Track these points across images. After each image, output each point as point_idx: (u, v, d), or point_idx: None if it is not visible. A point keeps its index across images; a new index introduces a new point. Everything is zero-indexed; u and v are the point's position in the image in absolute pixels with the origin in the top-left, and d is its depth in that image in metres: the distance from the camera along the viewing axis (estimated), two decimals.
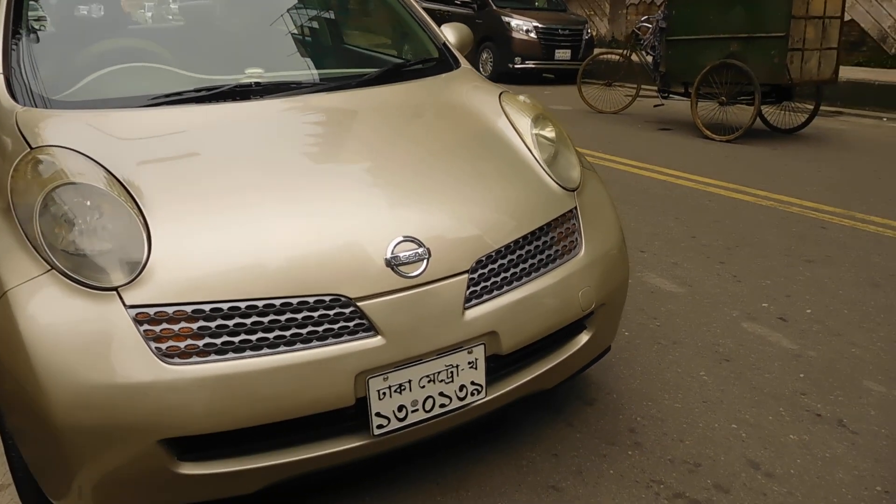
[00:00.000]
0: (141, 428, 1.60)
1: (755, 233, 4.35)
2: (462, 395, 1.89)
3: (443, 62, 2.73)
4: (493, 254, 1.93)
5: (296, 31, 2.94)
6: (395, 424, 1.81)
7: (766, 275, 3.70)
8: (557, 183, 2.19)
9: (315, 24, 3.11)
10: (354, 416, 1.79)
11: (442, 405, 1.86)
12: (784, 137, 7.45)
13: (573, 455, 2.30)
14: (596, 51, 11.79)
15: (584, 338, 2.20)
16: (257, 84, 2.31)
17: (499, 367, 1.97)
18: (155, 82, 2.37)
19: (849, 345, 2.97)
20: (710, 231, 4.41)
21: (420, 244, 1.80)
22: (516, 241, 1.99)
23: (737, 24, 7.01)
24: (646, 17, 9.52)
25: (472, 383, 1.89)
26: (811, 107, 7.50)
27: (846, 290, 3.51)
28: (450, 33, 2.95)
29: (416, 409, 1.83)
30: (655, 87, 8.39)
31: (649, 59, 8.37)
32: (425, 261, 1.80)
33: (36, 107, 2.09)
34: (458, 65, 2.73)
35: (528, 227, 2.03)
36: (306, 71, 2.71)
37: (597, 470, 2.22)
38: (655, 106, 8.54)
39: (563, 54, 12.43)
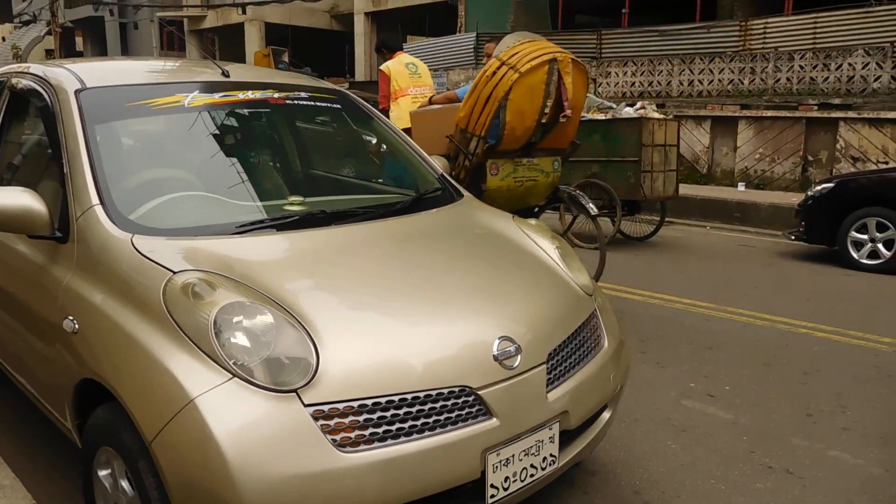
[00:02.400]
0: None
1: (656, 327, 5.12)
2: (544, 465, 2.28)
3: (446, 191, 3.22)
4: (558, 347, 2.39)
5: (317, 165, 3.33)
6: (501, 493, 2.16)
7: (681, 361, 4.43)
8: (582, 290, 2.72)
9: (332, 159, 3.52)
10: (470, 490, 2.12)
11: (531, 475, 2.24)
12: (638, 244, 8.60)
13: None
14: None
15: (607, 415, 2.69)
16: (322, 212, 2.66)
17: (565, 440, 2.39)
18: (219, 210, 2.65)
19: (768, 412, 3.68)
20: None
21: (512, 341, 2.23)
22: (569, 338, 2.46)
23: (597, 150, 8.18)
24: None
25: (550, 455, 2.30)
26: (655, 218, 8.80)
27: (746, 369, 4.29)
28: (438, 164, 3.46)
29: (515, 480, 2.20)
30: None
31: None
32: (519, 355, 2.22)
33: (140, 234, 2.30)
34: (460, 195, 3.23)
35: (574, 325, 2.52)
36: (341, 198, 3.08)
37: None
38: None
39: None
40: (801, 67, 11.91)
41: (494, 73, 4.83)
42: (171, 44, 30.37)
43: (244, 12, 23.99)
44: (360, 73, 22.57)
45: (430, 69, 7.20)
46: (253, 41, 25.49)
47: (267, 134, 3.29)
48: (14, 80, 3.18)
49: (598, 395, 2.52)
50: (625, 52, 14.88)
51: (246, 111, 3.10)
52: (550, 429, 2.28)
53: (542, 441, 2.26)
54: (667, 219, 9.10)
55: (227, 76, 3.07)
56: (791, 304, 5.79)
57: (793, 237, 7.78)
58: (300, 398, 1.89)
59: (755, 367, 4.34)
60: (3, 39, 36.72)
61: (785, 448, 3.29)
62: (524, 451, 2.20)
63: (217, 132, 2.99)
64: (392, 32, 20.11)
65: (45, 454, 3.16)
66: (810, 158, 11.37)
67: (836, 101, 11.14)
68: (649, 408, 3.71)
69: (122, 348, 2.04)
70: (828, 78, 11.61)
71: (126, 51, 32.27)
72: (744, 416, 3.62)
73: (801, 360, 4.47)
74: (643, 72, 13.78)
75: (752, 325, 5.19)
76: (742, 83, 12.56)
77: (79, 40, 36.20)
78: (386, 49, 7.10)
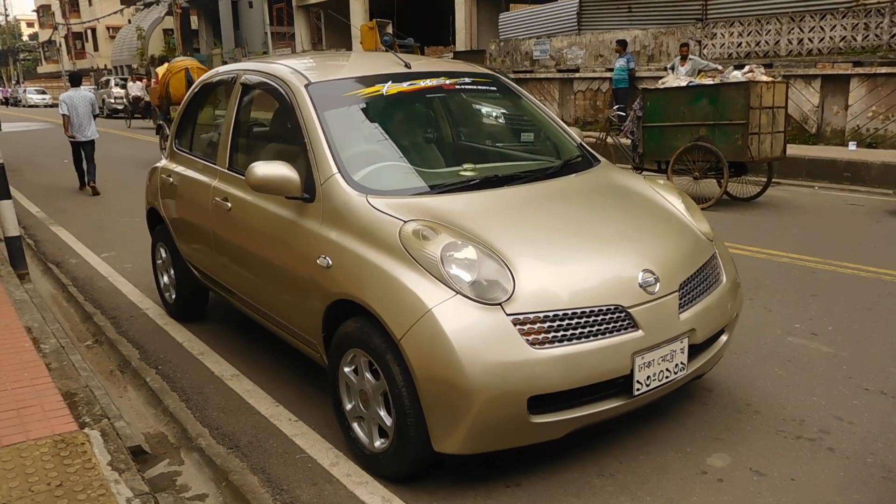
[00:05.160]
0: (520, 389, 2.60)
1: (763, 277, 5.63)
2: (676, 370, 2.96)
3: (586, 157, 3.88)
4: (687, 279, 3.04)
5: (484, 138, 4.08)
6: (644, 388, 2.86)
7: (787, 306, 4.95)
8: (704, 236, 3.36)
9: (494, 132, 4.28)
10: (621, 384, 2.83)
11: (666, 377, 2.93)
12: (744, 205, 8.95)
13: (718, 420, 3.38)
14: None
15: (724, 338, 3.33)
16: (495, 176, 3.40)
17: (691, 353, 3.06)
18: (417, 176, 3.42)
19: (867, 347, 4.19)
20: None
21: (653, 273, 2.90)
22: (695, 272, 3.11)
23: (704, 114, 8.56)
24: (617, 106, 11.13)
25: (681, 362, 2.97)
26: (762, 179, 9.09)
27: (849, 313, 4.78)
28: (575, 135, 4.12)
29: (654, 379, 2.89)
30: (629, 165, 9.85)
31: (627, 141, 9.86)
32: (658, 283, 2.89)
33: (370, 195, 3.10)
34: (598, 160, 3.89)
35: (699, 263, 3.17)
36: (503, 164, 3.81)
37: (739, 428, 3.31)
38: None
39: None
40: None
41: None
42: (281, 20, 31.85)
43: None
44: (461, 43, 23.11)
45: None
46: (357, 14, 26.43)
47: (443, 113, 4.06)
48: (245, 77, 4.05)
49: (718, 319, 3.17)
50: (731, 11, 14.82)
51: (427, 96, 3.87)
52: (681, 341, 2.95)
53: (675, 350, 2.94)
54: (774, 179, 9.36)
55: (409, 67, 3.83)
56: None
57: None
58: (503, 309, 2.64)
59: (857, 311, 4.82)
60: (130, 21, 39.46)
61: (881, 375, 3.82)
62: (661, 356, 2.89)
63: (408, 114, 3.76)
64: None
65: (276, 371, 4.09)
66: None
67: None
68: (758, 343, 4.29)
69: (371, 275, 2.85)
70: None
71: (238, 27, 34.03)
72: (844, 350, 4.15)
73: None
74: (750, 31, 13.74)
75: (857, 277, 5.62)
76: (855, 40, 12.38)
77: (193, 19, 38.38)
78: None
